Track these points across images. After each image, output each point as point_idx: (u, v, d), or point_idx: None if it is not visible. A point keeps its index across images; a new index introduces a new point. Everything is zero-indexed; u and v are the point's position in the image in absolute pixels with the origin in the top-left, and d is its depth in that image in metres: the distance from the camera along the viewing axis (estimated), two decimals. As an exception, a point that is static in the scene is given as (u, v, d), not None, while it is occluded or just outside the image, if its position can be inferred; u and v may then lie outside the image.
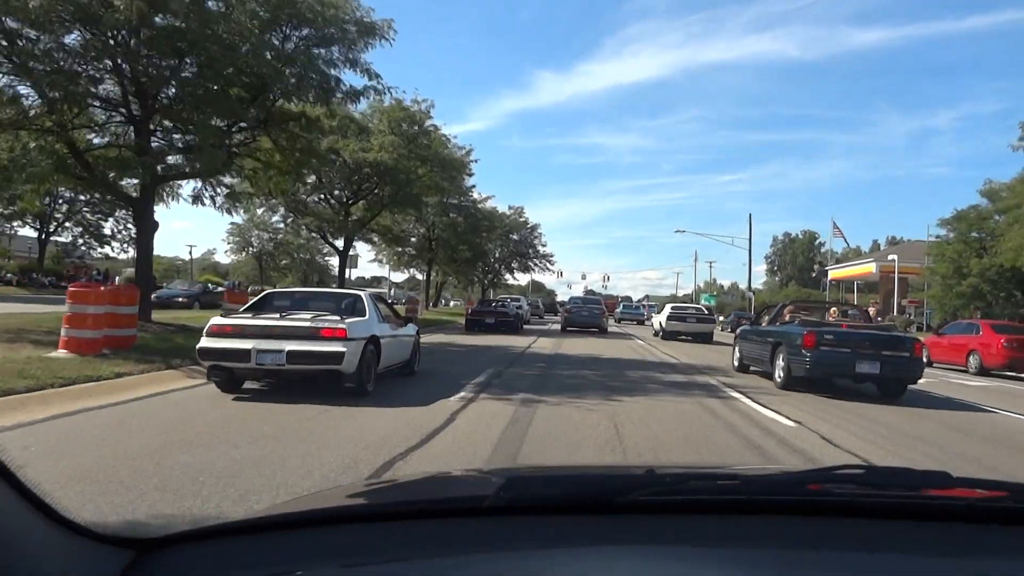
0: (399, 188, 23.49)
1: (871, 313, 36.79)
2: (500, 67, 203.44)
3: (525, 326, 28.90)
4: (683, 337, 25.30)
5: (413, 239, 38.68)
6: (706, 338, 25.36)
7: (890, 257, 40.88)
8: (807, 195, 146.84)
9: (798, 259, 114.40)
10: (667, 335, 25.65)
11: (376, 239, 29.57)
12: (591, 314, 28.46)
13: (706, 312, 29.19)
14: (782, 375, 10.76)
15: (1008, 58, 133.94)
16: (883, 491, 1.27)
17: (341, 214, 25.02)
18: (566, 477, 1.67)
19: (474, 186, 39.24)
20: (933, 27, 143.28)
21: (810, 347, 10.12)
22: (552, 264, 58.56)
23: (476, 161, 37.08)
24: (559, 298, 77.71)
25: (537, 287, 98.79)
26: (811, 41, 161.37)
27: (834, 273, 56.44)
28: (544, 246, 56.82)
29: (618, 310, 49.56)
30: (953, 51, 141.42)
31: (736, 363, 13.51)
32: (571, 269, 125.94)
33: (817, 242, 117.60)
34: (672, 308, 27.94)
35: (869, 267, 48.58)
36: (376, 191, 24.40)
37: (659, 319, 28.32)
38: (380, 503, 1.38)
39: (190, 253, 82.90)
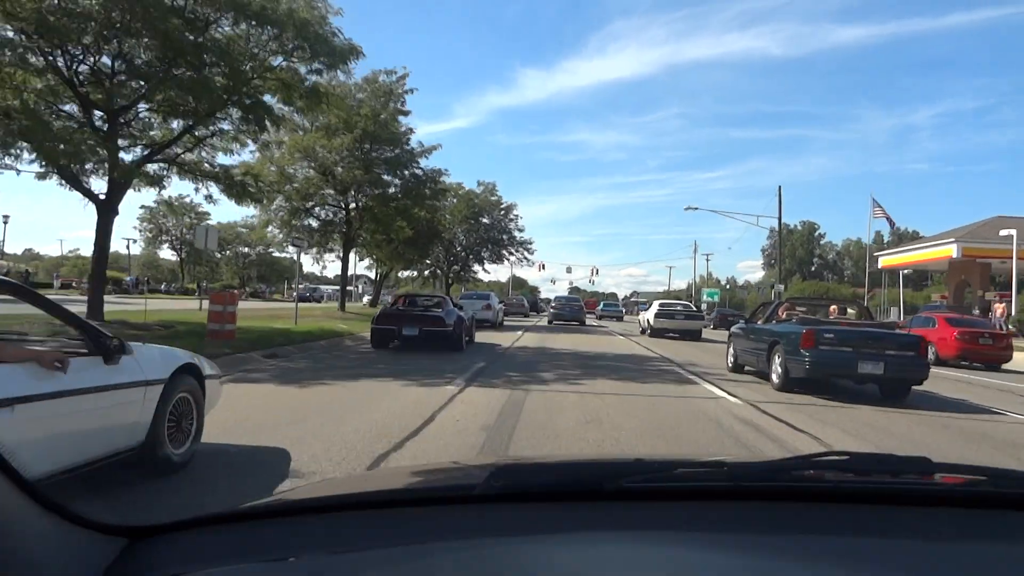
0: (191, 60, 11.25)
1: (999, 312, 22.58)
2: (485, 64, 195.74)
3: (486, 335, 19.83)
4: (671, 335, 24.62)
5: (319, 208, 26.30)
6: (694, 336, 24.60)
7: (1002, 232, 28.89)
8: (790, 191, 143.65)
9: (797, 251, 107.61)
10: (655, 332, 24.90)
11: (204, 184, 16.41)
12: (573, 310, 33.06)
13: (695, 309, 29.46)
14: (779, 376, 9.92)
15: (986, 56, 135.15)
16: (866, 477, 1.29)
17: (92, 129, 12.47)
18: (555, 465, 1.62)
19: (412, 130, 27.00)
20: (914, 24, 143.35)
21: (809, 346, 9.39)
22: (531, 252, 47.05)
23: (412, 92, 25.13)
24: (542, 295, 75.77)
25: (519, 283, 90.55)
26: (794, 38, 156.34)
27: (886, 260, 44.62)
28: (521, 231, 45.47)
29: (599, 308, 52.74)
30: (933, 48, 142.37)
31: (730, 364, 12.65)
32: (557, 264, 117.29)
33: (816, 233, 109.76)
34: (660, 305, 26.94)
35: (946, 250, 36.58)
36: (149, 68, 11.84)
37: (646, 316, 27.13)
38: (369, 491, 1.35)
39: (128, 248, 69.83)
